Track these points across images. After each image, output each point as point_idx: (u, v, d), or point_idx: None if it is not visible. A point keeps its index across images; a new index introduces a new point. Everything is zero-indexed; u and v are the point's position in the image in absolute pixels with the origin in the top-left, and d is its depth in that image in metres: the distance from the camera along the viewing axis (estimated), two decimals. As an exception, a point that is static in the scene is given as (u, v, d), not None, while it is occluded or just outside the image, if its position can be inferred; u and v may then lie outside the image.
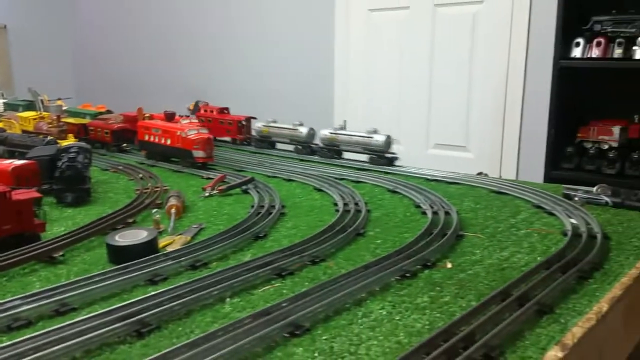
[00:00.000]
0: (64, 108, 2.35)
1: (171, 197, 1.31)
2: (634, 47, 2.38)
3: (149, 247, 1.01)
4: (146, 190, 1.47)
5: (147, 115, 2.01)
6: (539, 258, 0.99)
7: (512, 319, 0.74)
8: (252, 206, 1.35)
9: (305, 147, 2.05)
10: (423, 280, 0.93)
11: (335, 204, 1.38)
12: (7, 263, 0.97)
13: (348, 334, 0.75)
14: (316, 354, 0.70)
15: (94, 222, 1.18)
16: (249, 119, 2.29)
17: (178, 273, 0.96)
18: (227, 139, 2.32)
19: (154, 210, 1.21)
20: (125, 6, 4.60)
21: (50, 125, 2.08)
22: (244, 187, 1.54)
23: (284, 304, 0.80)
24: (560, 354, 0.69)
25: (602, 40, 2.46)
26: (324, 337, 0.74)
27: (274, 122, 2.16)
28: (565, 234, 1.10)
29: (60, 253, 1.05)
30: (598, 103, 2.65)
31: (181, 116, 2.02)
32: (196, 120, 2.03)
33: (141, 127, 1.91)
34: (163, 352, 0.66)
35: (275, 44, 3.79)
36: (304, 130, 2.05)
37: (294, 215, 1.32)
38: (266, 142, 2.18)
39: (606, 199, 1.29)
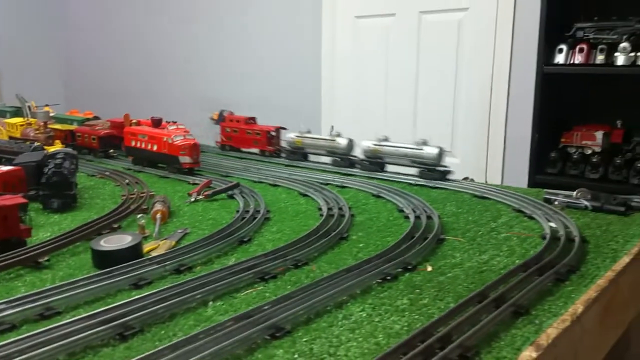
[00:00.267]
0: (51, 114, 2.35)
1: (157, 203, 1.32)
2: (616, 54, 2.42)
3: (134, 252, 1.02)
4: (132, 196, 1.48)
5: (134, 121, 2.02)
6: (517, 261, 1.02)
7: (488, 320, 0.75)
8: (237, 211, 1.36)
9: (345, 159, 1.92)
10: (403, 283, 0.94)
11: (320, 209, 1.40)
12: (-8, 268, 0.98)
13: (328, 335, 0.77)
14: (296, 356, 0.71)
15: (79, 227, 1.19)
16: (278, 129, 2.16)
17: (162, 277, 0.97)
18: (255, 150, 2.19)
19: (139, 216, 1.22)
20: (115, 12, 4.60)
21: (37, 132, 2.08)
22: (229, 193, 1.56)
23: (266, 307, 0.81)
24: (534, 354, 0.71)
25: (584, 46, 2.50)
26: (304, 339, 0.75)
27: (308, 132, 2.03)
28: (543, 238, 1.13)
29: (46, 258, 1.06)
30: (581, 109, 2.69)
31: (168, 122, 2.02)
32: (183, 127, 2.04)
33: (128, 133, 1.92)
34: (145, 354, 0.67)
35: (262, 50, 3.81)
36: (343, 141, 1.92)
37: (279, 220, 1.33)
38: (299, 153, 2.05)
39: (586, 203, 1.32)
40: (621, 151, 2.47)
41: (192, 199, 1.50)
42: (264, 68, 3.82)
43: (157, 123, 1.92)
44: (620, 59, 2.40)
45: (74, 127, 2.25)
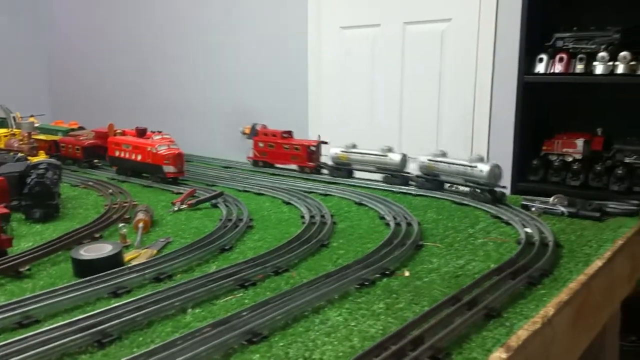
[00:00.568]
0: (36, 125, 2.36)
1: (139, 212, 1.33)
2: (595, 63, 2.46)
3: (114, 261, 1.03)
4: (115, 206, 1.49)
5: (118, 131, 2.03)
6: (492, 265, 1.04)
7: (460, 322, 0.77)
8: (221, 219, 1.37)
9: (398, 176, 1.77)
10: (381, 288, 0.96)
11: (302, 217, 1.41)
12: (-28, 278, 0.98)
13: (304, 340, 0.78)
14: (272, 360, 0.73)
15: (60, 237, 1.20)
16: (319, 144, 2.01)
17: (142, 285, 0.98)
18: (293, 166, 2.04)
19: (121, 225, 1.23)
20: (101, 22, 4.61)
21: (21, 142, 2.08)
22: (213, 202, 1.57)
23: (244, 313, 0.82)
24: (504, 355, 0.72)
25: (564, 56, 2.55)
26: (280, 344, 0.77)
27: (354, 146, 1.88)
28: (519, 243, 1.15)
29: (27, 267, 1.06)
30: (562, 117, 2.73)
31: (153, 132, 2.03)
32: (168, 137, 2.04)
33: (112, 143, 1.92)
34: (123, 359, 0.68)
35: (249, 59, 3.83)
36: (396, 156, 1.76)
37: (261, 228, 1.35)
38: (344, 170, 1.90)
39: (562, 209, 1.34)
40: (601, 158, 2.51)
41: (176, 208, 1.51)
42: (251, 78, 3.84)
43: (141, 133, 1.93)
44: (599, 68, 2.44)
45: (58, 137, 2.25)
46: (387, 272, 1.02)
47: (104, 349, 0.76)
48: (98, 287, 0.93)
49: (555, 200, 1.37)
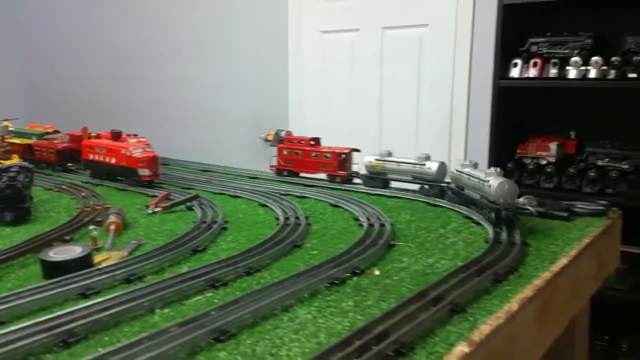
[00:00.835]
0: (10, 129, 2.33)
1: (111, 215, 1.33)
2: (568, 67, 2.51)
3: (83, 263, 1.02)
4: (87, 209, 1.48)
5: (93, 134, 2.02)
6: (459, 263, 1.05)
7: (424, 317, 0.78)
8: (195, 222, 1.37)
9: (435, 187, 1.61)
10: (351, 286, 0.97)
11: (277, 218, 1.42)
12: (-62, 280, 0.97)
13: (272, 337, 0.78)
14: (239, 357, 0.73)
15: (30, 239, 1.19)
16: (351, 152, 1.88)
17: (112, 287, 0.98)
18: (322, 175, 1.91)
19: (92, 227, 1.22)
20: (78, 26, 4.58)
21: (-7, 146, 2.06)
22: (188, 204, 1.57)
23: (212, 312, 0.82)
24: (466, 349, 0.74)
25: (538, 60, 2.60)
26: (248, 341, 0.77)
27: (389, 154, 1.74)
28: (487, 242, 1.17)
29: (-5, 270, 1.05)
30: (536, 121, 2.78)
31: (128, 135, 2.03)
32: (144, 140, 2.04)
33: (85, 146, 1.91)
34: (87, 358, 0.68)
35: (230, 63, 3.84)
36: (433, 165, 1.61)
37: (235, 230, 1.35)
38: (379, 179, 1.77)
39: (531, 209, 1.37)
40: (574, 161, 2.57)
41: (150, 211, 1.51)
42: (232, 81, 3.85)
43: (116, 136, 1.92)
44: (572, 73, 2.50)
45: (32, 141, 2.23)
46: (357, 271, 1.03)
47: (70, 348, 0.75)
48: (66, 288, 0.92)
49: (525, 200, 1.39)
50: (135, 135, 2.13)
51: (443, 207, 1.52)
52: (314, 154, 1.90)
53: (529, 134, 2.68)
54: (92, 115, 4.23)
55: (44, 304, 0.89)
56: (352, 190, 1.76)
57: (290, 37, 3.56)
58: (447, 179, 1.62)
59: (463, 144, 3.01)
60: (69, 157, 2.10)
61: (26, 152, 2.17)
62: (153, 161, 1.78)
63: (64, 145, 2.10)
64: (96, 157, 1.88)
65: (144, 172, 1.77)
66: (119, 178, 1.88)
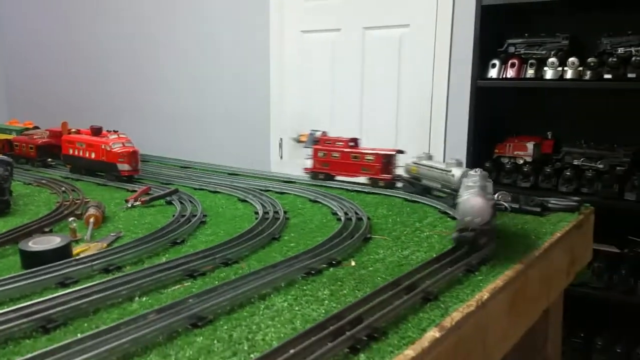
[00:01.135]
0: (-12, 124, 2.32)
1: (90, 207, 1.33)
2: (545, 68, 2.57)
3: (62, 253, 1.03)
4: (67, 203, 1.48)
5: (73, 130, 2.01)
6: (434, 255, 1.07)
7: (397, 304, 0.81)
8: (174, 215, 1.38)
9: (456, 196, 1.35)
10: (327, 277, 0.99)
11: (256, 213, 1.43)
12: None
13: (248, 323, 0.80)
14: (215, 341, 0.75)
15: (9, 230, 1.19)
16: (395, 153, 1.74)
17: (90, 277, 0.98)
18: (363, 179, 1.79)
19: (71, 219, 1.22)
20: (58, 22, 4.54)
21: (-28, 141, 2.05)
22: (168, 199, 1.57)
23: (190, 300, 0.84)
24: (437, 334, 0.76)
25: (515, 61, 2.65)
26: (224, 327, 0.79)
27: (430, 157, 1.58)
28: (462, 235, 1.19)
29: (-27, 261, 1.05)
30: (514, 120, 2.83)
31: (109, 131, 2.02)
32: (124, 136, 2.03)
33: (65, 142, 1.91)
34: (66, 341, 0.69)
35: (211, 63, 3.84)
36: (457, 173, 1.38)
37: (214, 224, 1.36)
38: (418, 185, 1.61)
39: (505, 204, 1.40)
40: (551, 161, 2.62)
41: (129, 205, 1.51)
42: (212, 80, 3.85)
43: (96, 132, 1.92)
44: (549, 73, 2.55)
45: (11, 136, 2.22)
46: (334, 262, 1.05)
47: (49, 334, 0.76)
48: (45, 277, 0.93)
49: (500, 196, 1.43)
50: (116, 131, 2.13)
51: (420, 202, 1.55)
52: (354, 156, 1.77)
53: (507, 134, 2.73)
54: (70, 113, 4.20)
55: (23, 292, 0.89)
56: (331, 187, 1.78)
57: (272, 37, 3.57)
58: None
59: (442, 143, 3.05)
60: (49, 152, 2.09)
61: (5, 147, 2.16)
62: (133, 156, 1.78)
63: (44, 140, 2.09)
64: (76, 152, 1.88)
65: (124, 167, 1.77)
66: (98, 173, 1.88)
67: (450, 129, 3.01)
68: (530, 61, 2.63)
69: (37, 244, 1.04)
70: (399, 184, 1.72)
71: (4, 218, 1.41)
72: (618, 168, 2.46)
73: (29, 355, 0.66)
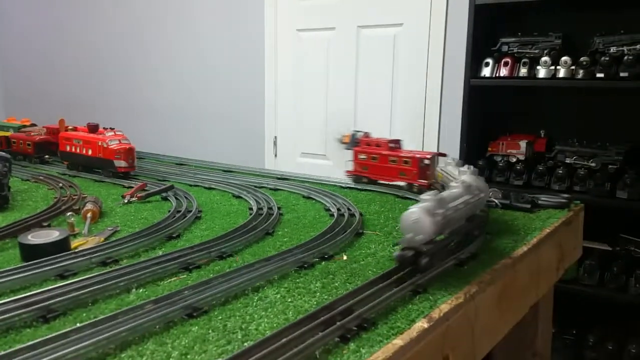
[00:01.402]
0: (-14, 122, 2.34)
1: (88, 202, 1.35)
2: (538, 67, 2.59)
3: (61, 246, 1.05)
4: (64, 198, 1.50)
5: (70, 127, 2.03)
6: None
7: (387, 296, 0.83)
8: (170, 211, 1.40)
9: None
10: (319, 270, 1.01)
11: (251, 209, 1.46)
12: None
13: (242, 314, 0.82)
14: (210, 331, 0.77)
15: (9, 225, 1.21)
16: (434, 157, 1.63)
17: (89, 269, 1.01)
18: (401, 183, 1.68)
19: (69, 214, 1.25)
20: (55, 19, 4.55)
21: (-30, 138, 2.06)
22: (163, 195, 1.59)
23: (186, 291, 0.86)
24: (426, 325, 0.79)
25: (509, 60, 2.67)
26: (219, 317, 0.81)
27: (460, 164, 1.47)
28: (452, 230, 1.22)
29: (-28, 254, 1.07)
30: (506, 119, 2.86)
31: (105, 128, 2.04)
32: (121, 133, 2.05)
33: (62, 138, 1.93)
34: (65, 330, 0.72)
35: (206, 61, 3.85)
36: (467, 179, 1.21)
37: (209, 219, 1.38)
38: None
39: (496, 201, 1.43)
40: (543, 159, 2.65)
41: (126, 201, 1.53)
42: (208, 80, 3.86)
43: (93, 129, 1.94)
44: (542, 72, 2.57)
45: (9, 133, 2.24)
46: (326, 256, 1.07)
47: (49, 323, 0.78)
48: (45, 269, 0.95)
49: (490, 193, 1.45)
50: (112, 129, 2.14)
51: (413, 200, 1.57)
52: (392, 159, 1.68)
53: (500, 132, 2.76)
54: (67, 111, 4.21)
55: (23, 283, 0.92)
56: (323, 183, 1.80)
57: (267, 35, 3.59)
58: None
59: (435, 142, 3.07)
60: (46, 149, 2.11)
61: (3, 144, 2.17)
62: (129, 153, 1.80)
63: (41, 137, 2.11)
64: (73, 149, 1.89)
65: (120, 163, 1.79)
66: (95, 170, 1.90)
67: (444, 127, 3.04)
68: (523, 60, 2.65)
69: (37, 237, 1.06)
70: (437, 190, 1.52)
71: (3, 213, 1.42)
72: (610, 166, 2.49)
73: (30, 343, 0.68)
